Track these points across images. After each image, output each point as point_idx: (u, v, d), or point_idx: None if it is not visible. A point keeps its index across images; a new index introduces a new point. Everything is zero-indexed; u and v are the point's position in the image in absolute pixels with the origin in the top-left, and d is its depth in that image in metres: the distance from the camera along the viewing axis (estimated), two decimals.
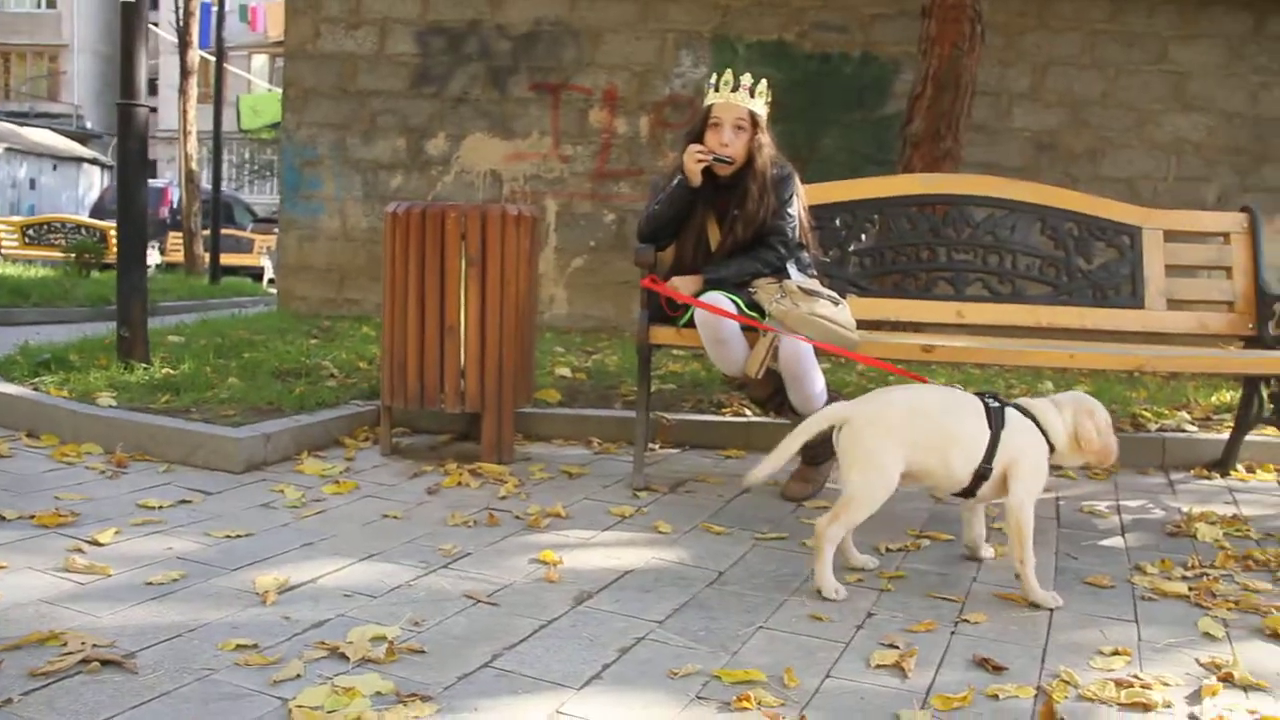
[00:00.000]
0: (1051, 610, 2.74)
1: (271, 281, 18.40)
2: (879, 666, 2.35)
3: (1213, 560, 3.19)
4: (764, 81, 3.74)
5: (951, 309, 4.11)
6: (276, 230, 19.39)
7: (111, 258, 12.88)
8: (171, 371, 4.79)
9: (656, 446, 4.35)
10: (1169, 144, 7.40)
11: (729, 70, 3.74)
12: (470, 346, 3.91)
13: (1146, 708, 2.20)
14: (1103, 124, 7.45)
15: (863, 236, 4.21)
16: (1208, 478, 4.27)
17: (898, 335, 3.71)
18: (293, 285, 7.95)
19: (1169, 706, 2.21)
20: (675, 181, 3.74)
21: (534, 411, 4.48)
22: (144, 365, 4.85)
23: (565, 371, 5.19)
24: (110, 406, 4.19)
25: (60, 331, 8.22)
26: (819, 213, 4.05)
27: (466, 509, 3.41)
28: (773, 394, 3.70)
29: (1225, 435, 4.38)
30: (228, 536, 3.04)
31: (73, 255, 13.49)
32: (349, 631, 2.37)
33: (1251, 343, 4.08)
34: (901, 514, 3.49)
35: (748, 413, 4.54)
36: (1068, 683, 2.29)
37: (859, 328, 3.57)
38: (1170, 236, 4.18)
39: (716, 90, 3.73)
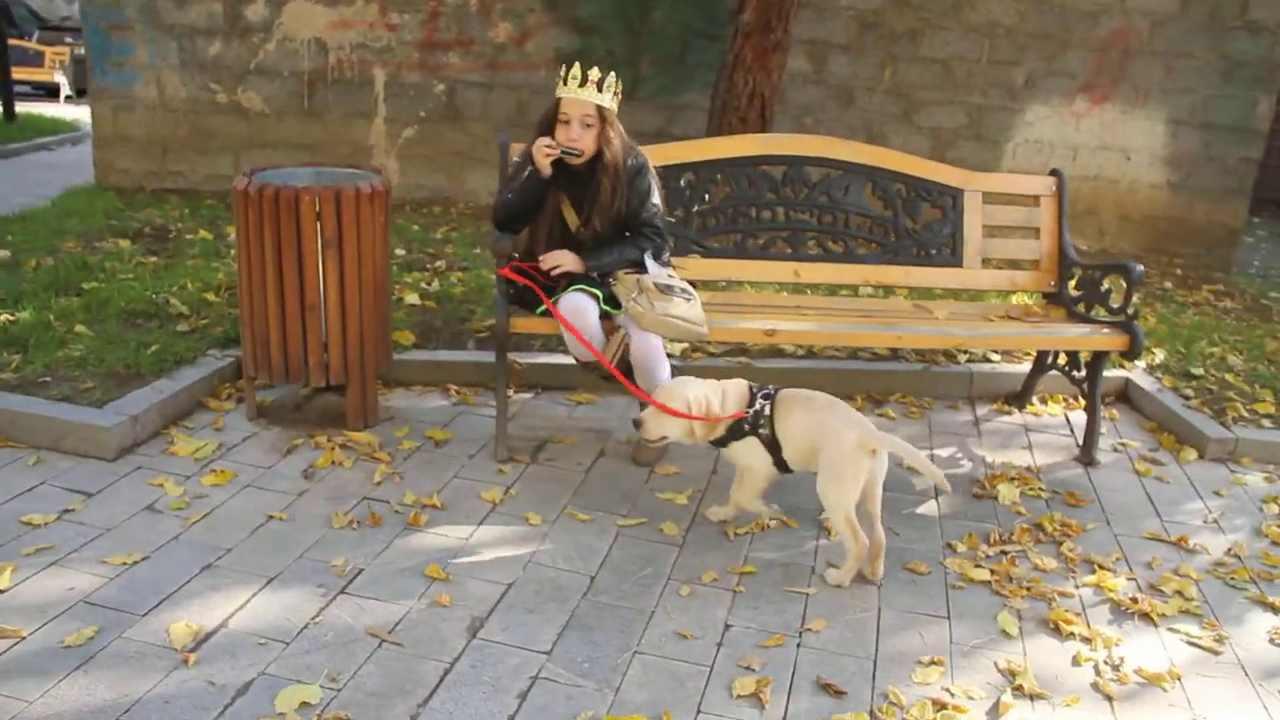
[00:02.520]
0: (879, 609, 3.24)
1: (69, 98, 17.01)
2: (740, 697, 2.79)
3: (1011, 532, 3.74)
4: (613, 75, 3.81)
5: (789, 268, 4.42)
6: (69, 41, 17.92)
7: None
8: (10, 319, 4.66)
9: (511, 392, 4.59)
10: (983, 27, 7.68)
11: (577, 65, 3.78)
12: (331, 323, 3.98)
13: None
14: (924, 5, 7.64)
15: (705, 196, 4.41)
16: (1008, 413, 4.86)
17: (742, 319, 4.00)
18: (112, 158, 7.53)
19: None
20: (526, 173, 3.83)
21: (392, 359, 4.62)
22: None
23: (414, 299, 5.28)
24: None
25: None
26: (665, 174, 4.22)
27: (346, 502, 3.61)
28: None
29: (1026, 366, 4.92)
30: (124, 564, 3.16)
31: None
32: (276, 697, 2.62)
33: (1052, 299, 4.58)
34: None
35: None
36: (895, 704, 2.79)
37: (700, 287, 3.86)
38: (987, 199, 4.54)
39: (565, 84, 3.78)
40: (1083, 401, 4.86)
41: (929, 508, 3.91)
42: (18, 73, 13.45)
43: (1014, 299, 5.41)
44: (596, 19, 7.43)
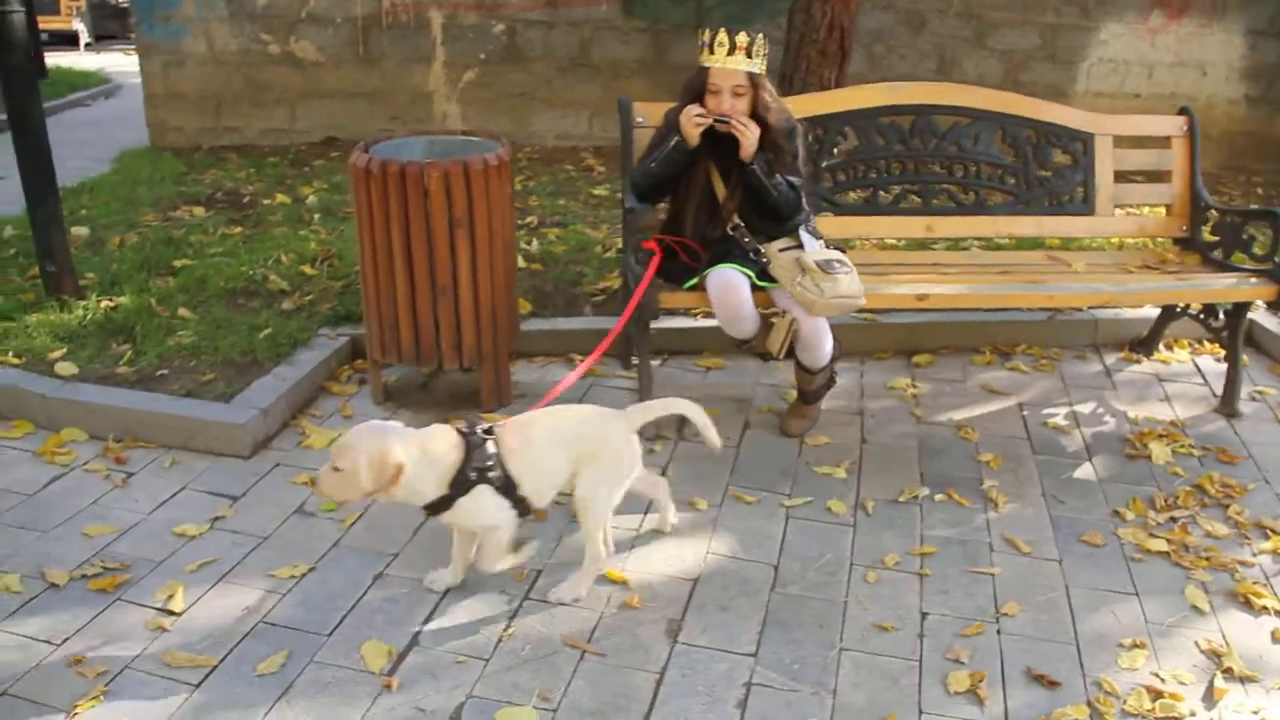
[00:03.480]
0: (1066, 588, 3.17)
1: (89, 45, 16.50)
2: (957, 693, 2.72)
3: (1175, 496, 3.65)
4: (760, 36, 3.61)
5: (921, 223, 4.28)
6: None
7: None
8: (110, 305, 4.52)
9: (635, 361, 4.47)
10: None
11: (723, 30, 3.57)
12: (464, 303, 3.84)
13: None
14: None
15: (834, 151, 4.25)
16: (1135, 361, 4.74)
17: (888, 283, 3.86)
18: (165, 116, 7.30)
19: (1194, 716, 2.68)
20: (673, 143, 3.66)
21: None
22: (79, 301, 4.55)
23: (520, 262, 5.14)
24: (75, 379, 3.97)
25: None
26: None
27: None
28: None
29: (1152, 311, 4.76)
30: (293, 576, 3.08)
31: None
32: None
33: (1185, 245, 4.43)
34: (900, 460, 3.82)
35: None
36: (1110, 693, 2.73)
37: (834, 247, 3.75)
38: (1118, 142, 4.37)
39: (710, 53, 3.59)
40: (1210, 346, 4.78)
41: (1085, 471, 3.82)
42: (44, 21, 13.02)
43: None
44: None
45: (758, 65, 3.60)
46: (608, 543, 3.04)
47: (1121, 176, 4.45)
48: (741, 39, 3.55)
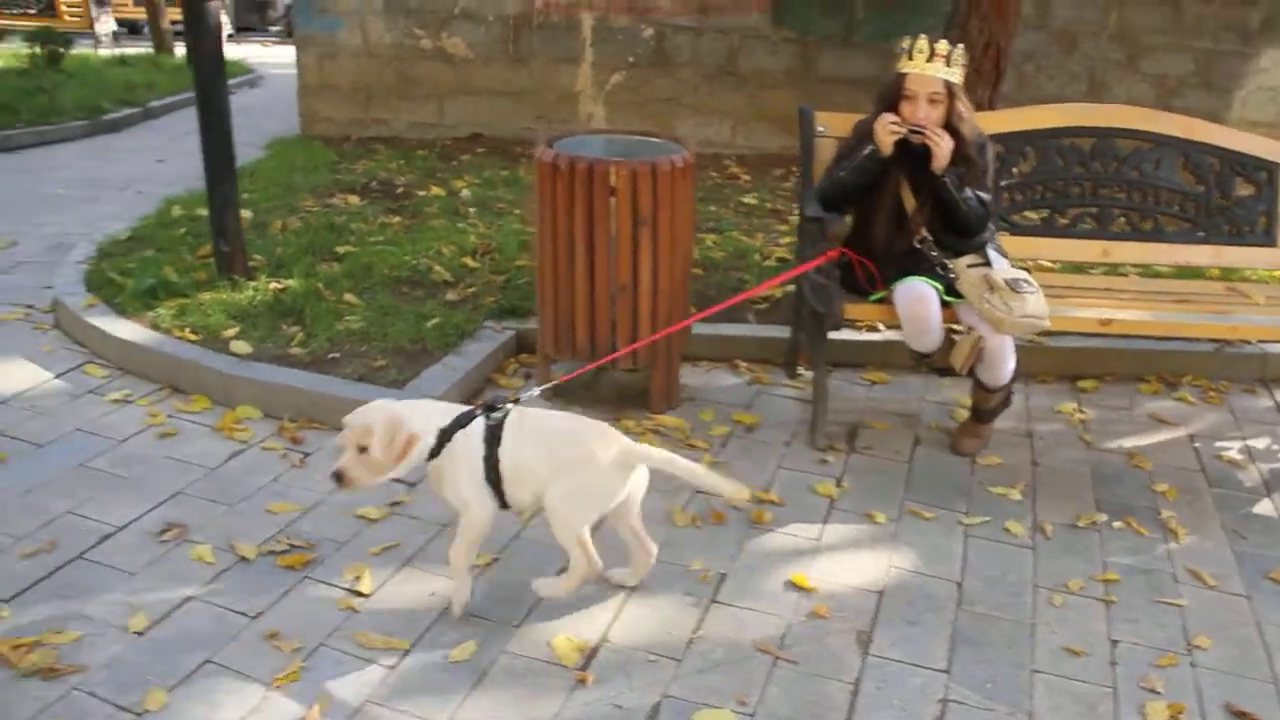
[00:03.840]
0: (1258, 625, 3.08)
1: (230, 36, 16.96)
2: None
3: None
4: (960, 47, 3.60)
5: (1098, 247, 4.20)
6: None
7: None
8: (279, 287, 4.64)
9: (801, 370, 4.47)
10: None
11: (923, 38, 3.58)
12: (642, 303, 3.87)
13: None
14: None
15: (1014, 170, 4.21)
16: None
17: (1067, 306, 3.80)
18: (316, 106, 7.49)
19: None
20: (866, 151, 3.65)
21: None
22: (249, 282, 4.68)
23: None
24: (250, 358, 4.09)
25: (74, 158, 7.72)
26: None
27: (679, 496, 3.51)
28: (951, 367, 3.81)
29: None
30: (475, 566, 3.07)
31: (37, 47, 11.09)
32: None
33: None
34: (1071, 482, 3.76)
35: (880, 326, 4.63)
36: None
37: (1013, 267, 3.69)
38: None
39: (910, 58, 3.59)
40: None
41: (1265, 507, 3.69)
42: (174, 13, 13.40)
43: None
44: None
45: (955, 74, 3.58)
46: (590, 554, 2.85)
47: None
48: (942, 46, 3.55)
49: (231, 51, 14.35)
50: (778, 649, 2.84)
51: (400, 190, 6.08)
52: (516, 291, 4.70)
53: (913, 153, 3.61)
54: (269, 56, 14.77)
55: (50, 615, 2.81)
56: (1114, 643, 2.96)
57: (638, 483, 2.91)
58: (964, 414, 4.19)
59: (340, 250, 5.06)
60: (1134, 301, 3.97)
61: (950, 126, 3.59)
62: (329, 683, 2.62)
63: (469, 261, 5.02)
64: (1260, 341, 4.70)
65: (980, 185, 3.66)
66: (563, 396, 4.13)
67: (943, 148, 3.53)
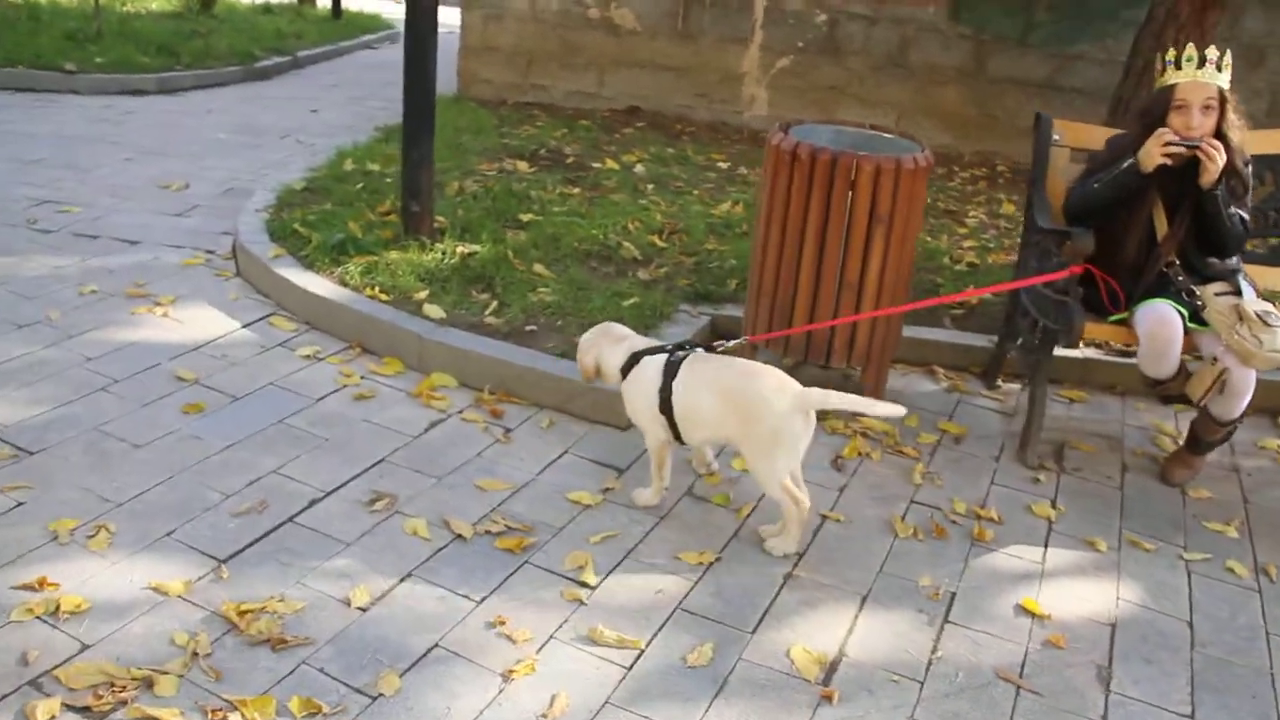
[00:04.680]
0: None
1: None
2: None
3: None
4: (1228, 53, 3.44)
5: None
6: None
7: None
8: (467, 251, 4.60)
9: (1000, 383, 4.35)
10: None
11: (1190, 45, 3.42)
12: (866, 303, 3.74)
13: None
14: None
15: (1247, 198, 4.02)
16: None
17: None
18: (476, 67, 7.44)
19: None
20: (1126, 164, 3.47)
21: None
22: (436, 244, 4.65)
23: None
24: (445, 323, 4.04)
25: (231, 104, 7.78)
26: None
27: (895, 504, 3.41)
28: (1184, 396, 3.64)
29: None
30: (701, 564, 3.03)
31: None
32: None
33: None
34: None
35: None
36: None
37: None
38: None
39: (1178, 67, 3.42)
40: None
41: None
42: None
43: None
44: None
45: (1226, 79, 3.42)
46: (795, 494, 3.03)
47: None
48: (1211, 52, 3.40)
49: (366, 4, 14.58)
50: (1019, 678, 2.73)
51: (570, 160, 6.01)
52: (709, 275, 4.61)
53: (1172, 170, 3.46)
54: (399, 12, 14.82)
55: (270, 580, 2.77)
56: None
57: (809, 430, 3.02)
58: (1166, 440, 4.03)
59: (524, 218, 5.01)
60: None
61: (1221, 135, 3.42)
62: (566, 680, 2.54)
63: (656, 240, 4.94)
64: None
65: (1242, 202, 3.50)
66: None
67: (1217, 161, 3.36)
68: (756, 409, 2.96)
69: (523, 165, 5.82)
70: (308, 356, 4.01)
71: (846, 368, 3.96)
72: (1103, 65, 6.96)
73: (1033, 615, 2.98)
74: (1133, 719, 2.64)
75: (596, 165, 5.94)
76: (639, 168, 5.95)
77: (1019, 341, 4.02)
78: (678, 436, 3.16)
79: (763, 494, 3.30)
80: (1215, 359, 3.40)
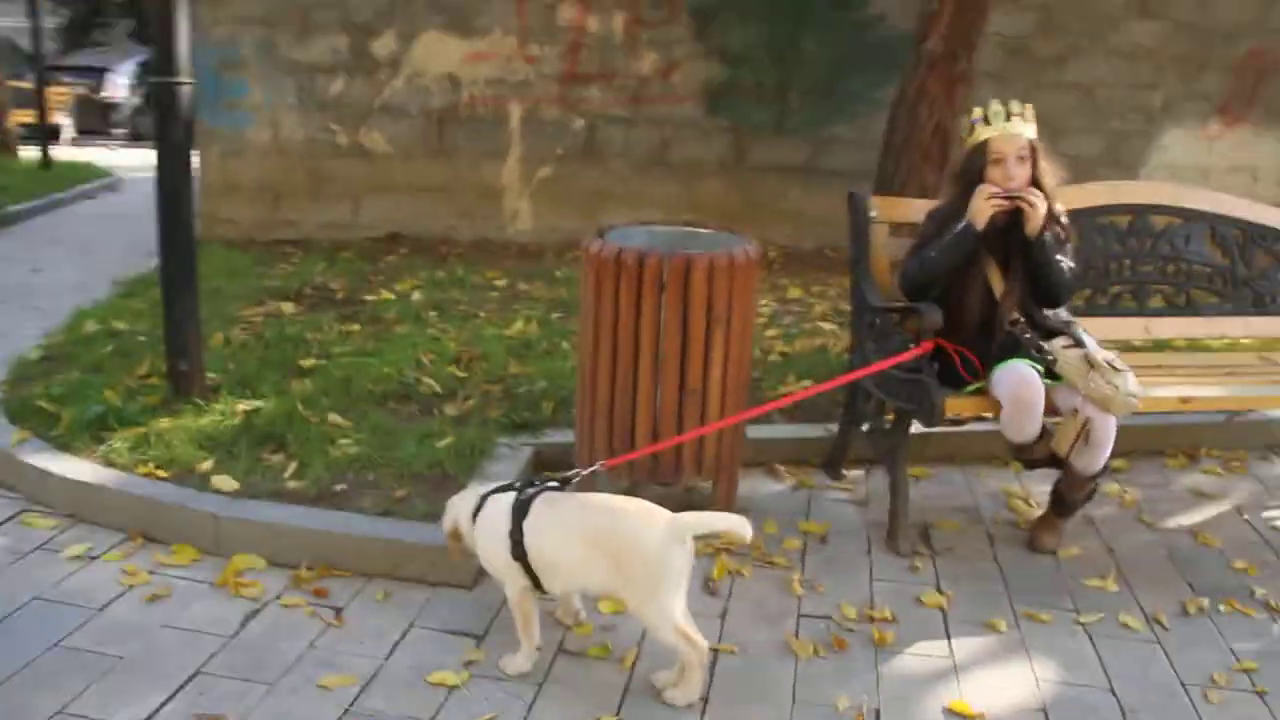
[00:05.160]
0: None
1: (74, 139, 15.80)
2: None
3: None
4: (1030, 106, 3.49)
5: (1139, 325, 4.12)
6: (67, 81, 16.63)
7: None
8: (248, 409, 4.06)
9: (845, 472, 4.20)
10: (1126, 50, 7.51)
11: (994, 101, 3.45)
12: (711, 409, 3.51)
13: None
14: (1070, 28, 7.44)
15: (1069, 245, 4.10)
16: None
17: (1156, 387, 3.68)
18: (218, 207, 6.82)
19: None
20: (959, 228, 3.44)
21: None
22: (212, 405, 4.08)
23: None
24: (238, 495, 3.49)
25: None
26: None
27: (783, 622, 3.15)
28: (1049, 456, 3.60)
29: None
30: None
31: None
32: None
33: None
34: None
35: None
36: None
37: None
38: None
39: (987, 123, 3.44)
40: None
41: None
42: (19, 115, 12.30)
43: None
44: (746, 49, 7.04)
45: (1033, 130, 3.46)
46: (690, 635, 2.67)
47: None
48: (1015, 106, 3.45)
49: (76, 155, 13.48)
50: None
51: (340, 296, 5.54)
52: (521, 402, 4.26)
53: (996, 227, 3.45)
54: (117, 160, 13.74)
55: None
56: None
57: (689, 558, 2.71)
58: (1020, 504, 4.01)
59: (306, 364, 4.50)
60: (1184, 376, 3.88)
61: (1037, 183, 3.45)
62: None
63: (455, 370, 4.55)
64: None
65: (1065, 249, 3.52)
66: None
67: (1039, 209, 3.38)
68: (628, 550, 2.65)
69: (288, 306, 5.31)
70: (78, 557, 3.35)
71: (695, 481, 3.69)
72: (857, 145, 7.23)
73: (965, 717, 2.78)
74: None
75: (370, 298, 5.50)
76: (416, 295, 5.57)
77: (865, 427, 3.89)
78: (539, 585, 2.81)
79: (644, 635, 2.97)
80: (1076, 410, 3.35)
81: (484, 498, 2.89)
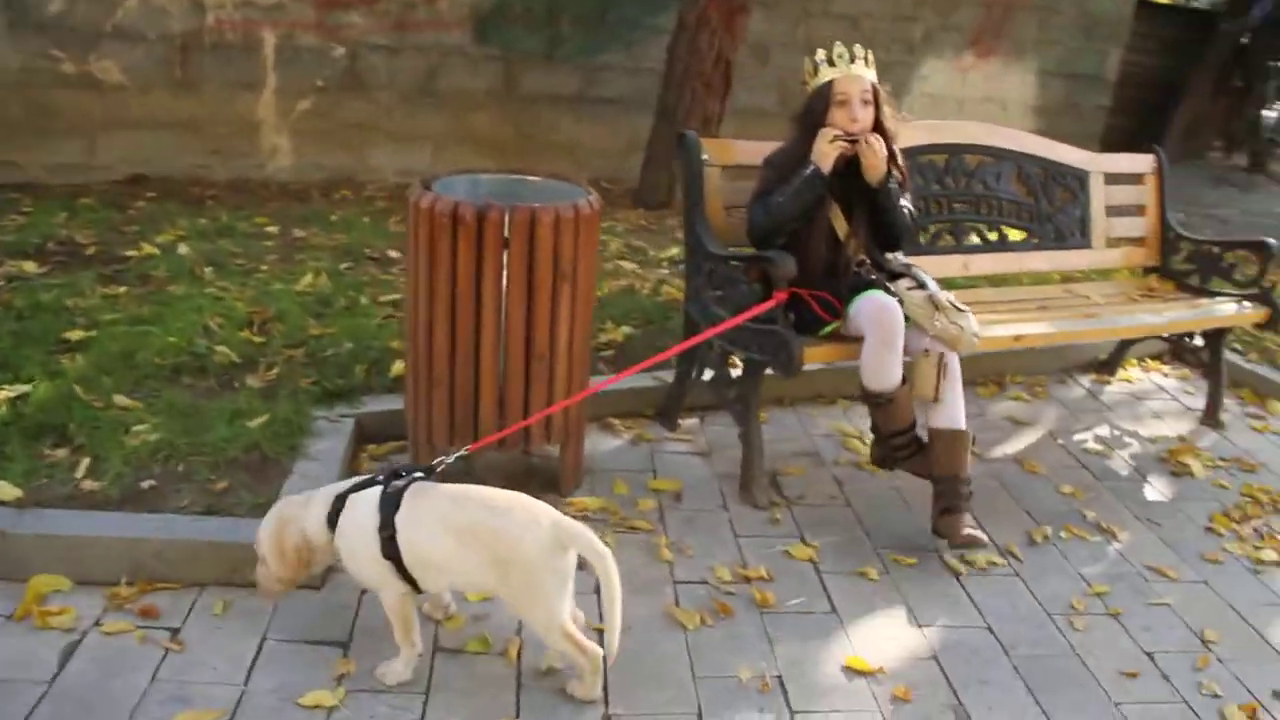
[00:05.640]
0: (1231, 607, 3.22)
1: None
2: None
3: (1242, 508, 3.88)
4: (870, 53, 3.45)
5: (959, 262, 4.23)
6: None
7: None
8: (12, 395, 3.45)
9: (681, 421, 4.08)
10: None
11: (839, 43, 3.38)
12: (559, 373, 3.30)
13: None
14: None
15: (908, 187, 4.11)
16: (1106, 382, 4.98)
17: (992, 326, 3.75)
18: None
19: None
20: (807, 172, 3.35)
21: None
22: None
23: None
24: (23, 504, 2.94)
25: None
26: None
27: (661, 591, 3.04)
28: (910, 426, 3.48)
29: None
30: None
31: None
32: None
33: (1157, 273, 4.71)
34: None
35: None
36: None
37: None
38: (1107, 179, 4.57)
39: (831, 64, 3.37)
40: (1154, 364, 5.16)
41: (1152, 493, 3.97)
42: None
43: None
44: None
45: (874, 74, 3.42)
46: (583, 644, 2.51)
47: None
48: (859, 49, 3.40)
49: None
50: None
51: (93, 251, 4.81)
52: (331, 367, 3.86)
53: (840, 170, 3.39)
54: None
55: None
56: (1150, 655, 3.00)
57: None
58: (856, 443, 4.04)
59: (73, 336, 3.89)
60: (1007, 312, 4.04)
61: (880, 127, 3.41)
62: None
63: (250, 336, 4.07)
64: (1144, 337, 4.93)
65: (904, 192, 3.52)
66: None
67: (880, 153, 3.35)
68: (509, 553, 2.44)
69: (31, 266, 4.57)
70: None
71: (543, 447, 3.48)
72: (631, 74, 7.04)
73: (865, 674, 2.80)
74: None
75: (131, 253, 4.82)
76: (183, 248, 4.94)
77: (711, 376, 3.79)
78: (415, 586, 2.55)
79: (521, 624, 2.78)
80: (927, 351, 3.37)
81: (339, 498, 2.57)
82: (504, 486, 2.60)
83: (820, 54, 3.40)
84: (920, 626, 3.02)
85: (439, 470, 2.68)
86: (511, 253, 3.09)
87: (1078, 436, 4.36)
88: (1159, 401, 4.82)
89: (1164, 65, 9.86)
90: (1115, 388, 4.93)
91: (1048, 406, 4.64)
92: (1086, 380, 4.96)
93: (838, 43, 3.38)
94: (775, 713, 2.61)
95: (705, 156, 3.71)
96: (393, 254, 5.24)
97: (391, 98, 6.60)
